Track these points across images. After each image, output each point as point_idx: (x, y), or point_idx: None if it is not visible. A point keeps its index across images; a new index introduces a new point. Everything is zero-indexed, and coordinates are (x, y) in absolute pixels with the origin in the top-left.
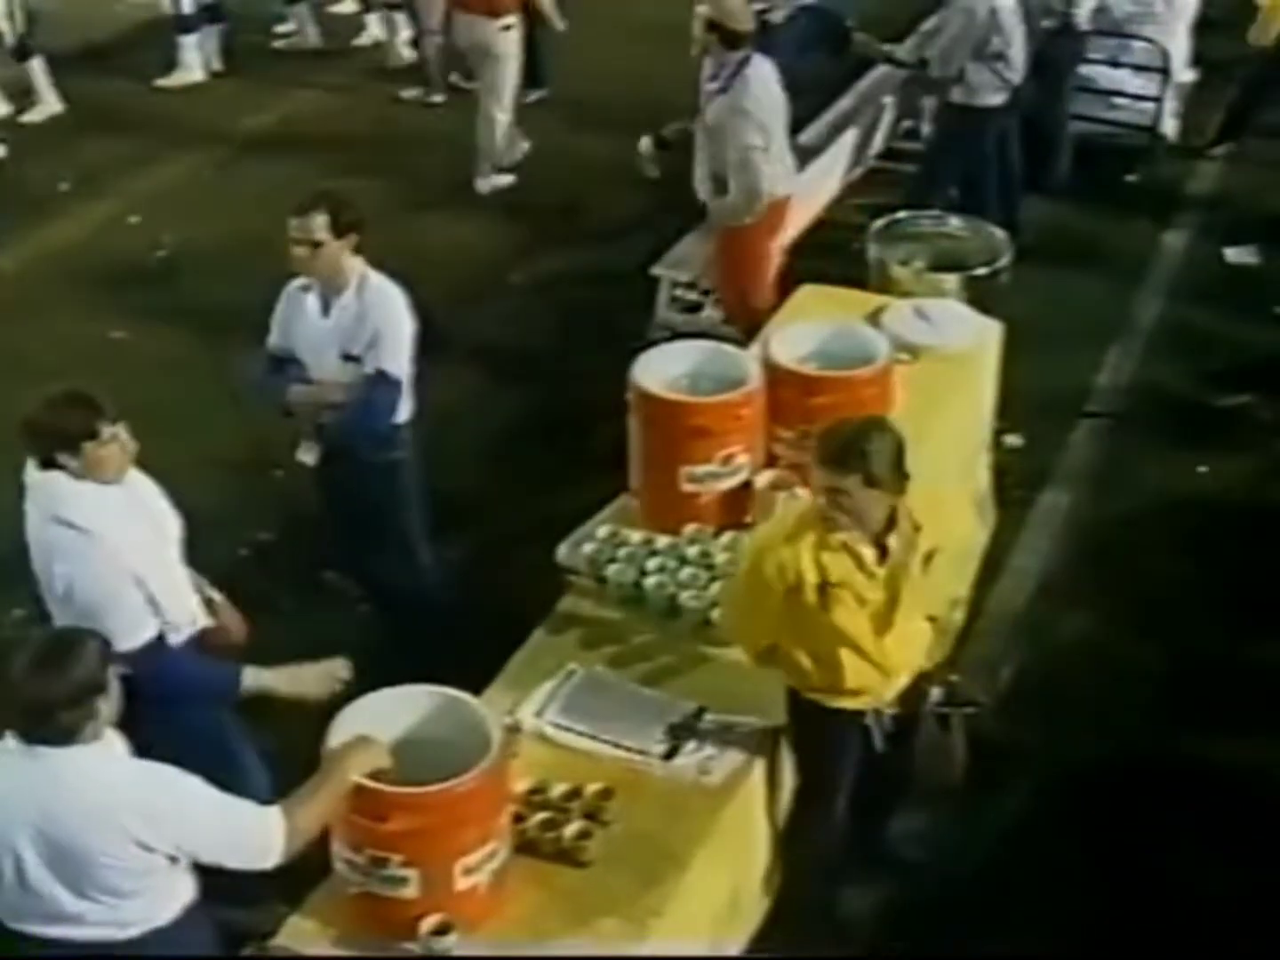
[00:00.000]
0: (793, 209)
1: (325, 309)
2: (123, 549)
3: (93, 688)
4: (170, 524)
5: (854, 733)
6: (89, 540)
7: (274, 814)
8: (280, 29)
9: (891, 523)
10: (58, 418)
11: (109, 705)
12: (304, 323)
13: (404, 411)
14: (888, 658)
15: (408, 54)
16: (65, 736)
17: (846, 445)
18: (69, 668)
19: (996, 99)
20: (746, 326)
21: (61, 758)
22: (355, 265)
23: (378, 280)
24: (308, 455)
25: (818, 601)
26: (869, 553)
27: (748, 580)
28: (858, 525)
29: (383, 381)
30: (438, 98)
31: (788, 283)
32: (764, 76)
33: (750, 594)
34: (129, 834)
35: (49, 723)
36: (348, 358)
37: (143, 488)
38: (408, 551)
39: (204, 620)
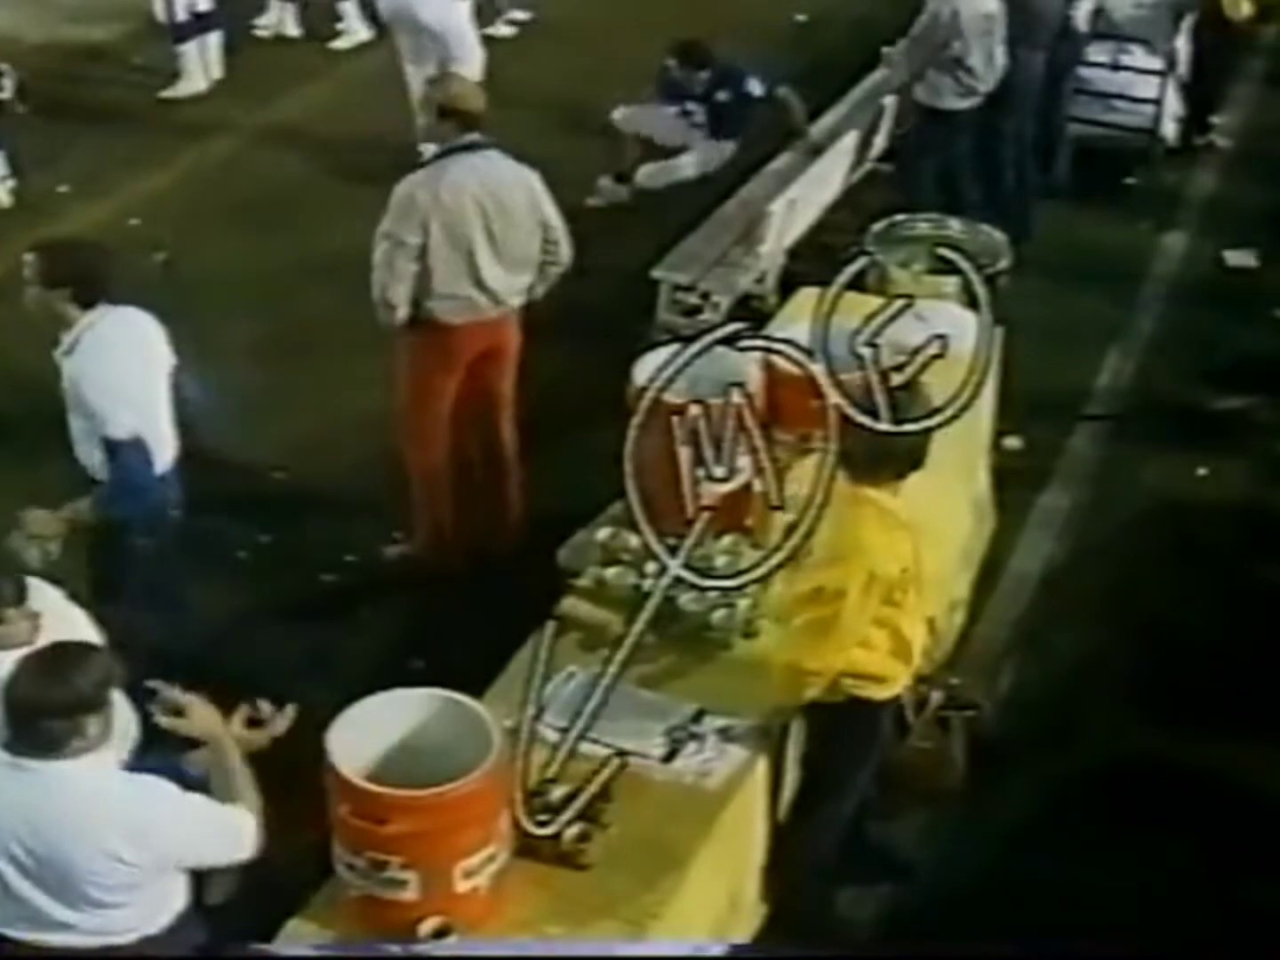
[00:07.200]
0: (491, 331)
1: None
2: None
3: (87, 703)
4: None
5: (889, 719)
6: None
7: (239, 809)
8: (259, 20)
9: None
10: None
11: (99, 726)
12: None
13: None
14: (927, 613)
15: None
16: (49, 747)
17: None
18: (71, 677)
19: (960, 104)
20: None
21: (48, 771)
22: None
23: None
24: None
25: (902, 590)
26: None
27: (845, 619)
28: None
29: None
30: None
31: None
32: (489, 165)
33: (850, 628)
34: (110, 851)
35: (33, 728)
36: None
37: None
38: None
39: None
